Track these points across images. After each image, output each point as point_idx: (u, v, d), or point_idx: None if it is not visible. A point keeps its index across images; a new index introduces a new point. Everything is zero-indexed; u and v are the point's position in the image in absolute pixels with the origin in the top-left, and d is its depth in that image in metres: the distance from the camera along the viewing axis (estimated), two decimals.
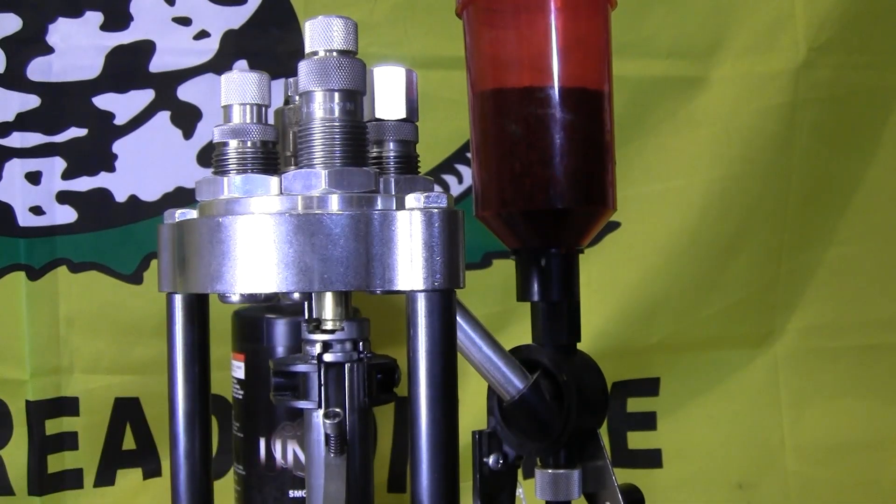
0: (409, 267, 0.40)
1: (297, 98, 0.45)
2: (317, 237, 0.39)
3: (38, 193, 0.89)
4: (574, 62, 0.59)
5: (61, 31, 0.88)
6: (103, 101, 0.90)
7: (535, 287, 0.59)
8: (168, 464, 0.52)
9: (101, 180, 0.90)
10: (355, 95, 0.42)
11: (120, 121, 0.90)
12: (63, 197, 0.90)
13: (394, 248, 0.40)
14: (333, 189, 0.40)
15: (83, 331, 0.90)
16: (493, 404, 0.60)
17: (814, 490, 1.01)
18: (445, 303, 0.40)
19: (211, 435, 0.47)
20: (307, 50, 0.42)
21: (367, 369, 0.45)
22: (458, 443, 0.41)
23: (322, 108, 0.41)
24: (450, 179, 0.94)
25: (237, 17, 0.90)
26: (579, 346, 0.61)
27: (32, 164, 0.89)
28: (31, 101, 0.88)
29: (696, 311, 0.99)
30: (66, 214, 0.90)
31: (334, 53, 0.41)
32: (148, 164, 0.91)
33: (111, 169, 0.90)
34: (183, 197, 0.90)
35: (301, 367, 0.45)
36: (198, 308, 0.45)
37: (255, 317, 0.77)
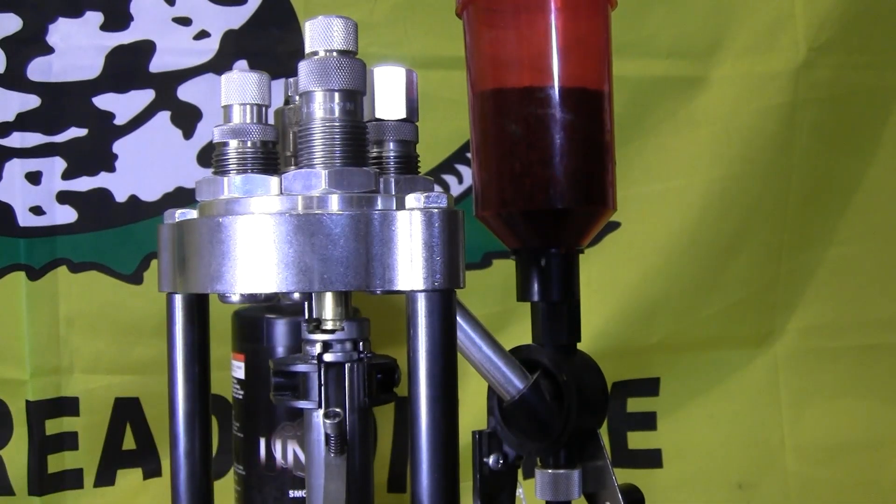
0: (409, 267, 0.40)
1: (297, 98, 0.45)
2: (317, 237, 0.39)
3: (38, 193, 0.89)
4: (574, 62, 0.59)
5: (61, 31, 0.88)
6: (103, 101, 0.90)
7: (535, 287, 0.59)
8: (168, 464, 0.52)
9: (102, 180, 0.90)
10: (355, 95, 0.42)
11: (120, 121, 0.90)
12: (63, 197, 0.90)
13: (394, 248, 0.40)
14: (333, 189, 0.40)
15: (83, 331, 0.90)
16: (493, 404, 0.60)
17: (814, 490, 1.01)
18: (445, 303, 0.40)
19: (211, 435, 0.47)
20: (307, 50, 0.42)
21: (367, 369, 0.45)
22: (458, 443, 0.41)
23: (322, 108, 0.41)
24: (450, 179, 0.94)
25: (237, 17, 0.90)
26: (579, 346, 0.61)
27: (32, 164, 0.89)
28: (32, 101, 0.88)
29: (696, 311, 0.99)
30: (66, 214, 0.90)
31: (334, 53, 0.41)
32: (148, 164, 0.91)
33: (111, 169, 0.90)
34: (183, 197, 0.90)
35: (301, 367, 0.45)
36: (198, 308, 0.45)
37: (255, 317, 0.77)
